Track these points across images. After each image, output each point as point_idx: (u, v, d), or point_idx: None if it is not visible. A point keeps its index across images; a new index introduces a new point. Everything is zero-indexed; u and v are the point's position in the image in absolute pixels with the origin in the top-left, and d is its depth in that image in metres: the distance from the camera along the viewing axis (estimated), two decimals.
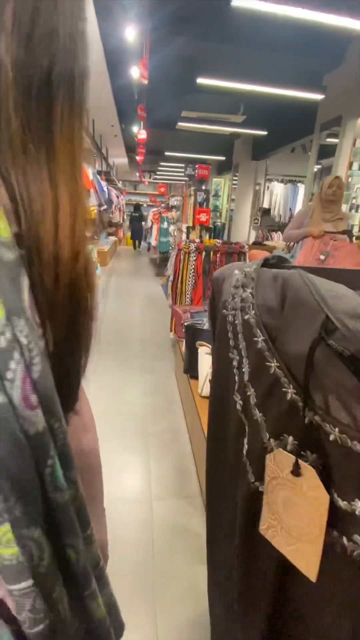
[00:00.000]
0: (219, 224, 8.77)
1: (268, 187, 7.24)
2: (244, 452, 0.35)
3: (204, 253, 2.85)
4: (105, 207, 5.83)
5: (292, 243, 2.78)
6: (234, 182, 7.75)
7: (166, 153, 7.97)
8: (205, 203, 3.79)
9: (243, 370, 0.34)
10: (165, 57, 3.56)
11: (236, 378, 0.36)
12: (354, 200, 3.86)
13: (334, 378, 0.26)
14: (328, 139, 4.51)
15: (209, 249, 2.86)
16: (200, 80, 3.32)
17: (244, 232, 7.79)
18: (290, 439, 0.30)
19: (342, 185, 2.51)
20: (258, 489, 0.34)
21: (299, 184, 7.18)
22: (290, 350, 0.29)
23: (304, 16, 2.28)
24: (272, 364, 0.31)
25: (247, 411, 0.34)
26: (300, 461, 0.28)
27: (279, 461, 0.29)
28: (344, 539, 0.26)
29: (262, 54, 3.39)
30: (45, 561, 0.29)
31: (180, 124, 5.09)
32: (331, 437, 0.26)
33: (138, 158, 7.07)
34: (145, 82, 2.71)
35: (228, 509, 0.43)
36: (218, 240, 3.30)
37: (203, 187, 4.39)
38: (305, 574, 0.28)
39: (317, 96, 3.87)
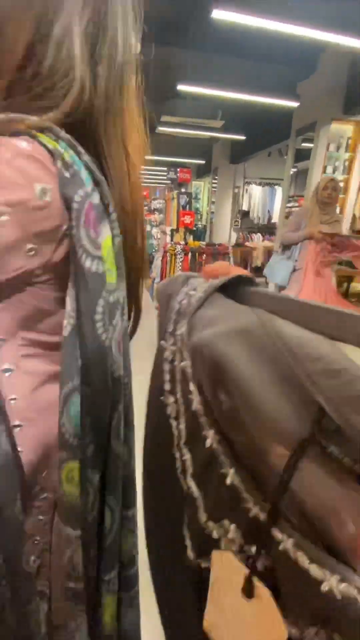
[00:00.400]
0: (200, 226, 8.91)
1: (247, 190, 7.45)
2: (185, 524, 0.28)
3: (190, 254, 2.93)
4: None
5: (290, 245, 2.71)
6: (214, 185, 7.90)
7: (147, 157, 8.01)
8: (188, 206, 3.87)
9: (180, 426, 0.27)
10: (146, 63, 3.62)
11: (174, 430, 0.28)
12: None
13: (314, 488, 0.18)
14: (303, 144, 4.72)
15: (194, 251, 2.94)
16: (181, 87, 3.40)
17: (224, 234, 7.96)
18: (233, 527, 0.23)
19: (337, 187, 2.53)
20: (201, 565, 0.27)
21: (276, 187, 7.42)
22: (246, 434, 0.21)
23: (278, 28, 2.40)
24: (210, 437, 0.23)
25: (185, 478, 0.27)
26: (255, 580, 0.21)
27: (227, 565, 0.22)
28: None
29: (240, 62, 3.52)
30: (93, 513, 0.30)
31: (160, 128, 5.17)
32: (280, 547, 0.19)
33: None
34: None
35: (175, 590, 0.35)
36: (202, 242, 3.39)
37: (183, 190, 4.47)
38: None
39: (292, 104, 4.04)
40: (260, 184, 7.48)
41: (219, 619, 0.24)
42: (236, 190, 7.61)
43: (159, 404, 0.29)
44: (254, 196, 7.44)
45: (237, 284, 0.25)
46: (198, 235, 8.60)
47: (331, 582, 0.17)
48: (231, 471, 0.22)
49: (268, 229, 7.87)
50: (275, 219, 7.53)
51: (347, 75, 3.55)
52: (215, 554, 0.24)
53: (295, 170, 7.67)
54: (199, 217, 9.26)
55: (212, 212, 8.08)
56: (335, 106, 3.64)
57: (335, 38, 2.59)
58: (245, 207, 7.50)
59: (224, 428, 0.23)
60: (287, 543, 0.19)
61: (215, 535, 0.24)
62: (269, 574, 0.20)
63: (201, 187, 9.23)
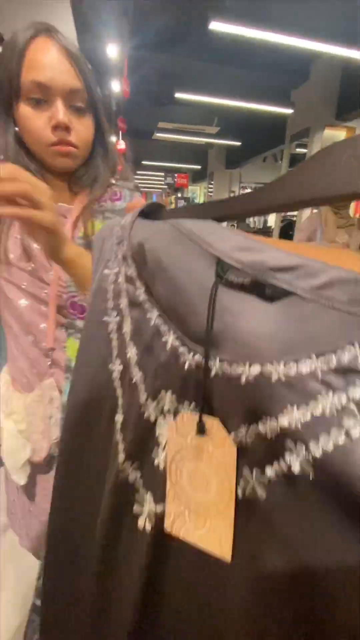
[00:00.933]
0: None
1: None
2: (118, 427, 0.29)
3: None
4: None
5: None
6: (210, 190, 8.00)
7: (143, 162, 8.12)
8: None
9: (124, 331, 0.30)
10: (144, 72, 3.71)
11: (115, 342, 0.30)
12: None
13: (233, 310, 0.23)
14: (298, 149, 4.82)
15: None
16: (179, 95, 3.48)
17: None
18: (169, 394, 0.26)
19: None
20: (127, 477, 0.28)
21: None
22: (180, 297, 0.26)
23: (272, 38, 2.48)
24: (152, 314, 0.27)
25: (125, 377, 0.29)
26: (203, 415, 0.23)
27: (181, 427, 0.25)
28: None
29: (236, 71, 3.61)
30: None
31: (157, 134, 5.25)
32: (212, 373, 0.22)
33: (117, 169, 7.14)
34: (127, 97, 2.83)
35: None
36: None
37: (179, 195, 4.55)
38: (219, 557, 0.23)
39: (287, 110, 4.15)
40: (255, 189, 7.58)
41: (179, 505, 0.25)
42: (232, 195, 7.72)
43: (99, 325, 0.32)
44: None
45: (153, 211, 0.33)
46: None
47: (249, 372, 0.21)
48: (171, 336, 0.25)
49: (264, 233, 8.00)
50: (270, 222, 7.64)
51: (339, 82, 3.66)
52: (170, 427, 0.25)
53: None
54: None
55: None
56: (328, 113, 3.75)
57: (326, 47, 2.69)
58: None
59: (160, 303, 0.27)
60: (217, 368, 0.22)
61: (152, 415, 0.27)
62: (210, 411, 0.24)
63: (197, 192, 9.35)
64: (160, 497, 0.26)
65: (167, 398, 0.26)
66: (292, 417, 0.19)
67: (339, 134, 3.95)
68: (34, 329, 0.56)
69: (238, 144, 6.05)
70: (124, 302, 0.30)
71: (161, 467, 0.26)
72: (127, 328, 0.29)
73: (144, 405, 0.27)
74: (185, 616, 0.26)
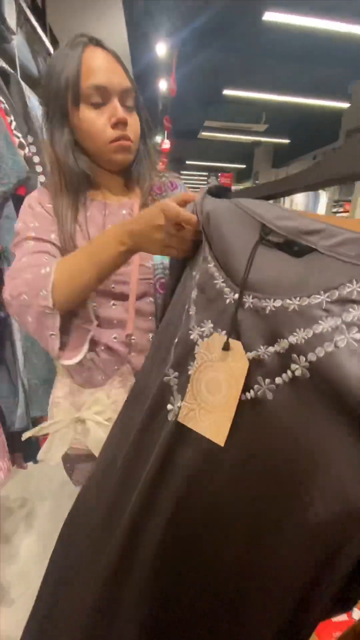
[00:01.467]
0: None
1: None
2: (173, 345, 0.38)
3: None
4: None
5: None
6: None
7: (187, 162, 8.10)
8: None
9: (196, 280, 0.38)
10: (192, 69, 3.66)
11: (190, 290, 0.40)
12: None
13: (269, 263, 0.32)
14: None
15: None
16: (227, 92, 3.39)
17: None
18: (209, 322, 0.35)
19: None
20: (169, 381, 0.37)
21: (320, 192, 7.14)
22: (230, 251, 0.34)
23: (330, 27, 2.31)
24: (211, 264, 0.36)
25: (188, 312, 0.38)
26: (230, 339, 0.32)
27: (211, 345, 0.34)
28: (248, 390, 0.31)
29: (289, 64, 3.43)
30: None
31: (203, 133, 5.19)
32: (245, 306, 0.32)
33: (160, 167, 7.20)
34: (173, 95, 2.80)
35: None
36: None
37: None
38: (215, 441, 0.32)
39: (343, 104, 3.88)
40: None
41: (193, 404, 0.34)
42: None
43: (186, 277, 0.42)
44: (296, 202, 7.20)
45: (219, 191, 0.42)
46: None
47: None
48: (220, 279, 0.35)
49: None
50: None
51: None
52: (201, 344, 0.35)
53: None
54: None
55: None
56: None
57: None
58: None
59: (216, 256, 0.37)
60: (249, 302, 0.32)
61: (195, 337, 0.36)
62: (236, 336, 0.32)
63: None
64: None
65: (208, 325, 0.35)
66: (299, 336, 0.27)
67: None
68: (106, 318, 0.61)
69: (286, 141, 5.80)
70: (199, 259, 0.39)
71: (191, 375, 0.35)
72: (197, 277, 0.38)
73: (191, 330, 0.36)
74: (187, 483, 0.34)
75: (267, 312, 0.30)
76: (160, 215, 0.41)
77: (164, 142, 4.95)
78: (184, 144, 6.77)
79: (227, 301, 0.33)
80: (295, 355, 0.27)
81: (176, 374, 0.37)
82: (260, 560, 0.30)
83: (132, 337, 0.61)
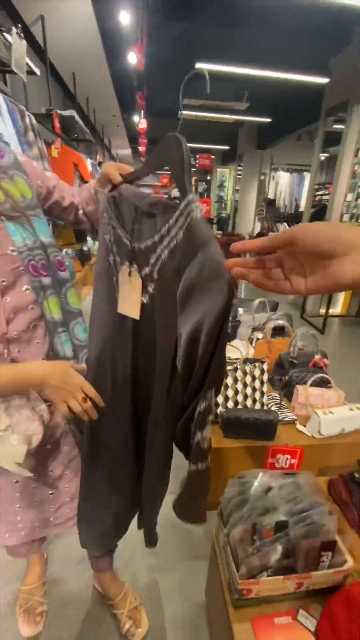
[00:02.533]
0: (224, 215, 8.63)
1: (273, 177, 7.08)
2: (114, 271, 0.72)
3: None
4: None
5: None
6: (239, 172, 7.59)
7: None
8: (206, 194, 3.72)
9: (113, 239, 0.70)
10: (165, 43, 3.45)
11: (111, 245, 0.71)
12: (359, 189, 3.73)
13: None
14: (335, 126, 4.37)
15: None
16: (200, 66, 3.21)
17: (249, 223, 7.65)
18: (119, 258, 0.70)
19: None
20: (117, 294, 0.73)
21: (305, 173, 6.99)
22: (125, 219, 0.68)
23: None
24: (117, 228, 0.69)
25: (115, 259, 0.71)
26: (132, 270, 0.67)
27: (125, 272, 0.68)
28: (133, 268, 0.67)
29: (265, 37, 3.25)
30: None
31: (183, 112, 4.97)
32: (136, 248, 0.66)
33: (140, 149, 6.96)
34: (142, 68, 2.63)
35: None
36: (218, 232, 3.24)
37: (208, 177, 4.30)
38: (133, 317, 0.70)
39: (323, 80, 3.73)
40: (288, 170, 7.08)
41: (123, 303, 0.71)
42: (262, 177, 7.26)
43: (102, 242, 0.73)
44: (281, 183, 7.06)
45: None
46: (222, 225, 8.36)
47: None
48: (124, 236, 0.68)
49: (295, 218, 7.49)
50: (303, 207, 7.14)
51: None
52: (121, 270, 0.69)
53: (327, 155, 7.19)
54: (224, 205, 8.98)
55: (237, 201, 7.78)
56: None
57: None
58: (271, 195, 7.15)
59: (120, 222, 0.71)
60: (136, 246, 0.66)
61: (117, 267, 0.71)
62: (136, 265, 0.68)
63: (226, 175, 8.91)
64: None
65: (119, 259, 0.69)
66: (153, 259, 0.63)
67: None
68: None
69: (268, 120, 5.61)
70: (109, 227, 0.70)
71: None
72: (111, 237, 0.70)
73: (115, 264, 0.71)
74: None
75: (143, 248, 0.64)
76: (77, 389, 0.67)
77: (140, 122, 4.74)
78: (163, 124, 6.52)
79: (128, 247, 0.67)
80: (155, 272, 0.64)
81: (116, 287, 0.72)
82: (160, 364, 0.68)
83: (15, 334, 0.67)
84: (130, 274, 0.65)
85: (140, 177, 0.67)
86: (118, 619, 1.09)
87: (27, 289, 0.67)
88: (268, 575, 0.78)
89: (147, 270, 0.63)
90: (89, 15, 2.77)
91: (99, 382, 0.73)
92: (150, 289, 0.65)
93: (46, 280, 0.70)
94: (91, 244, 4.76)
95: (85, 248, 4.16)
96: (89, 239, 4.68)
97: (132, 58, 2.97)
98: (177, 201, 0.57)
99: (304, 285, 0.35)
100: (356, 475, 0.98)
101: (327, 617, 0.74)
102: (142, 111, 4.24)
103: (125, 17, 2.41)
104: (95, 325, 0.75)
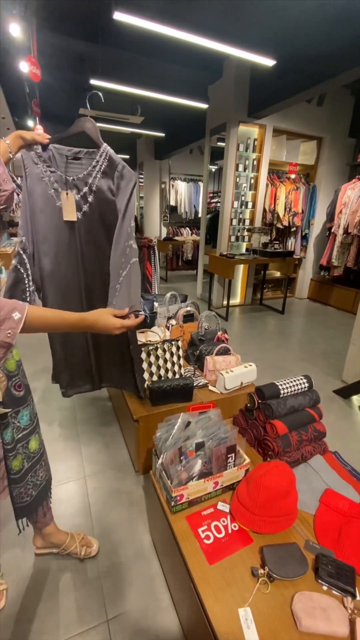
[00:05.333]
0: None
1: (173, 186, 7.67)
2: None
3: None
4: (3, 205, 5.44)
5: None
6: (140, 180, 7.98)
7: None
8: None
9: (51, 178, 1.18)
10: (59, 55, 3.54)
11: (49, 182, 1.18)
12: (242, 198, 4.44)
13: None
14: (219, 143, 5.06)
15: None
16: (94, 82, 3.41)
17: (155, 228, 8.11)
18: (59, 187, 1.19)
19: None
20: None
21: (200, 183, 7.77)
22: (58, 163, 1.19)
23: (178, 36, 2.57)
24: (56, 170, 1.18)
25: (54, 190, 1.20)
26: (68, 193, 1.19)
27: (62, 196, 1.18)
28: None
29: (152, 61, 3.65)
30: None
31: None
32: (69, 180, 1.20)
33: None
34: (37, 80, 2.70)
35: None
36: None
37: None
38: (73, 219, 1.23)
39: (203, 105, 4.31)
40: (185, 180, 7.76)
41: (65, 214, 1.22)
42: (163, 186, 7.80)
43: (39, 183, 1.22)
44: (180, 192, 7.70)
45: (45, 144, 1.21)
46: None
47: None
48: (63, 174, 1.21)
49: (195, 224, 8.27)
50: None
51: (249, 81, 3.92)
52: (61, 196, 1.20)
53: (216, 167, 8.12)
54: None
55: (142, 207, 8.17)
56: (241, 109, 4.00)
57: (234, 51, 2.86)
58: (172, 202, 7.74)
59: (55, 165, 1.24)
60: (69, 180, 1.20)
61: (57, 193, 1.22)
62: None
63: None
64: None
65: (58, 189, 1.19)
66: (90, 178, 1.19)
67: (252, 130, 4.26)
68: None
69: (162, 135, 6.10)
70: (48, 170, 1.17)
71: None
72: (52, 177, 1.17)
73: (55, 194, 1.19)
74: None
75: (77, 179, 1.18)
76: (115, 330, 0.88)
77: (36, 128, 4.66)
78: (62, 131, 6.45)
79: (63, 178, 1.17)
80: (90, 194, 1.20)
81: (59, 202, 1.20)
82: (96, 249, 1.30)
83: None
84: (67, 194, 1.17)
85: (64, 138, 1.15)
86: (73, 554, 1.26)
87: None
88: (194, 482, 1.06)
89: (82, 193, 1.19)
90: None
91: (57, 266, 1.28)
92: (85, 207, 1.21)
93: None
94: None
95: None
96: None
97: (23, 67, 2.99)
98: (95, 149, 1.17)
99: None
100: (248, 404, 1.35)
101: (235, 496, 1.06)
102: (37, 118, 4.20)
103: (14, 29, 2.46)
104: (49, 240, 1.24)
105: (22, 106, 5.12)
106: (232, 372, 1.71)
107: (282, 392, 1.30)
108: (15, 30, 2.44)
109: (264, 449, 1.28)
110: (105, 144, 1.16)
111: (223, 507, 1.09)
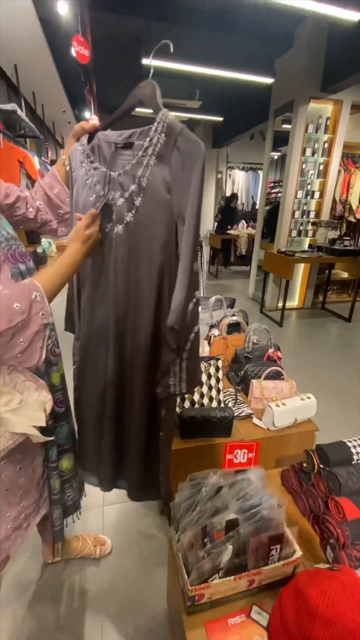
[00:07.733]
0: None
1: (230, 175, 7.21)
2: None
3: None
4: None
5: None
6: None
7: None
8: None
9: (94, 179, 0.85)
10: (114, 38, 3.36)
11: (92, 179, 0.86)
12: (308, 187, 3.89)
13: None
14: (283, 125, 4.52)
15: None
16: (146, 61, 3.17)
17: (209, 220, 7.74)
18: (106, 187, 0.83)
19: None
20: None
21: (259, 172, 7.20)
22: (104, 154, 0.84)
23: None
24: (101, 166, 0.84)
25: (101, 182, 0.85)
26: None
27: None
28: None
29: (212, 35, 3.27)
30: None
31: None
32: (114, 175, 0.82)
33: None
34: (84, 62, 2.53)
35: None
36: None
37: None
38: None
39: (268, 80, 3.83)
40: (243, 169, 7.25)
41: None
42: (219, 176, 7.37)
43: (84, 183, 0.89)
44: (237, 181, 7.22)
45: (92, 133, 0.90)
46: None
47: None
48: (103, 168, 0.84)
49: (252, 216, 7.70)
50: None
51: (325, 49, 3.35)
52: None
53: (279, 154, 7.45)
54: None
55: None
56: (313, 83, 3.45)
57: (312, 5, 2.37)
58: (228, 193, 7.29)
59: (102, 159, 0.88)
60: (114, 174, 0.83)
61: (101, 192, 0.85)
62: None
63: None
64: None
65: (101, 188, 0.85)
66: (133, 188, 0.79)
67: (325, 108, 3.67)
68: None
69: (220, 119, 5.69)
70: (92, 166, 0.85)
71: None
72: (97, 171, 0.85)
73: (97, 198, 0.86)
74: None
75: (122, 173, 0.80)
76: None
77: (91, 118, 4.59)
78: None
79: (110, 174, 0.82)
80: (135, 196, 0.79)
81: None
82: (139, 285, 0.83)
83: None
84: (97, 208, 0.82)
85: (115, 122, 0.86)
86: (89, 556, 1.27)
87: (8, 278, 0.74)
88: (220, 577, 0.77)
89: (126, 195, 0.79)
90: (27, 4, 2.62)
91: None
92: (129, 216, 0.80)
93: (22, 267, 0.80)
94: (46, 246, 4.55)
95: (39, 250, 3.96)
96: (43, 240, 4.46)
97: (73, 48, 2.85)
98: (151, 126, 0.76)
99: None
100: (304, 464, 1.01)
101: (278, 610, 0.75)
102: (92, 107, 4.11)
103: (63, 8, 2.30)
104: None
105: (80, 98, 5.10)
106: (284, 406, 1.36)
107: (355, 457, 0.93)
108: (63, 8, 2.28)
109: (322, 529, 0.93)
110: (164, 109, 0.75)
111: (259, 616, 0.78)
